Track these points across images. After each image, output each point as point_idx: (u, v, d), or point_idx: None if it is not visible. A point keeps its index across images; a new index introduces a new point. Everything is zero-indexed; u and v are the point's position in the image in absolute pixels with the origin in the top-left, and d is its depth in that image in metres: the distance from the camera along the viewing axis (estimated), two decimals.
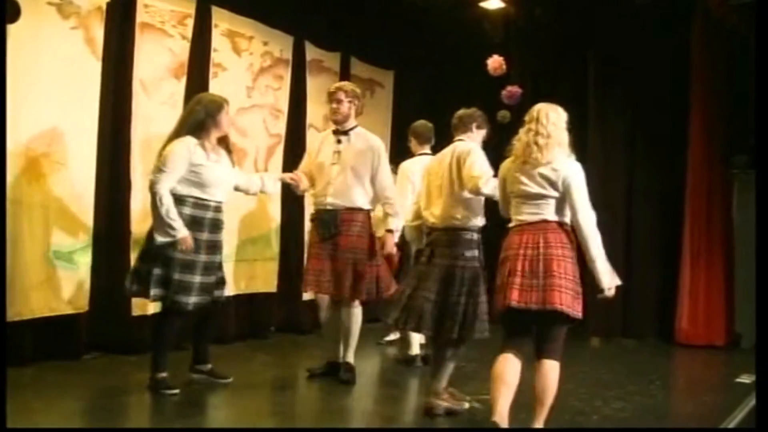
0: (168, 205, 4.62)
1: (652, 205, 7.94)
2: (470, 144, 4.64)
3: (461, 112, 4.87)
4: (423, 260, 4.61)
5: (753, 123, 6.45)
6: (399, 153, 8.61)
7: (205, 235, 4.76)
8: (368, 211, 5.35)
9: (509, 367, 3.97)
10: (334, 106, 5.33)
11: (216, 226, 4.86)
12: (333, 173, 5.26)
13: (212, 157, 4.79)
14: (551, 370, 3.98)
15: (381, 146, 5.40)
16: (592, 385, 5.44)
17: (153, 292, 4.67)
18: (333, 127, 5.46)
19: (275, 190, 6.13)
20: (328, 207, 5.26)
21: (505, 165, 4.16)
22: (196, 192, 4.74)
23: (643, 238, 7.91)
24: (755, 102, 4.45)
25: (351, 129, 5.36)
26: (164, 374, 4.76)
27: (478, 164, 4.42)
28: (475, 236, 4.53)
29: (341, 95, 5.31)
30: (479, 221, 4.55)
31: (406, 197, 5.97)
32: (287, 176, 5.54)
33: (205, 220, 4.78)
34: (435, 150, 6.22)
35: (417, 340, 6.05)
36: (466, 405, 4.68)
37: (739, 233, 7.37)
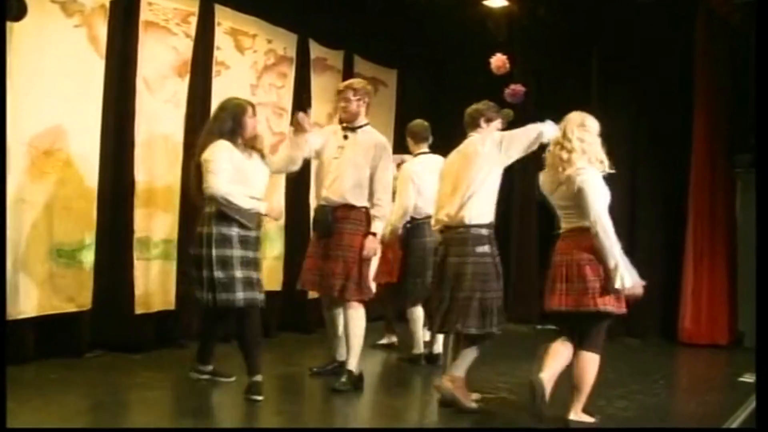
0: (235, 195, 4.60)
1: (655, 204, 7.93)
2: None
3: (469, 109, 4.98)
4: (437, 260, 4.79)
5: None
6: (403, 151, 8.64)
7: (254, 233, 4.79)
8: (366, 209, 5.18)
9: (561, 348, 4.37)
10: (343, 104, 5.23)
11: (259, 224, 4.88)
12: (333, 168, 5.16)
13: (245, 157, 4.78)
14: (587, 360, 4.33)
15: (387, 146, 5.30)
16: (596, 384, 5.42)
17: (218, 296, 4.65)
18: (340, 125, 5.36)
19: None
20: (323, 203, 5.17)
21: (542, 177, 4.50)
22: (243, 190, 4.69)
23: (646, 236, 7.89)
24: (756, 101, 4.43)
25: (360, 127, 5.24)
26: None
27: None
28: (485, 232, 4.65)
29: (349, 93, 5.19)
30: (488, 218, 4.68)
31: (409, 198, 5.97)
32: (296, 117, 5.13)
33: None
34: (433, 148, 6.26)
35: (421, 338, 6.07)
36: (474, 405, 4.66)
37: (743, 232, 7.36)
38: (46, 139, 5.25)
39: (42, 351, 5.29)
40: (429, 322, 5.09)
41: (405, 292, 6.16)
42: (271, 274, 7.06)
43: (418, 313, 6.05)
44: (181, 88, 6.23)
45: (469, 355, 4.66)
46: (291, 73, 7.33)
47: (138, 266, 5.89)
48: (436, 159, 6.16)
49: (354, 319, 5.09)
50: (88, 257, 5.54)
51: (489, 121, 4.91)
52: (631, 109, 7.96)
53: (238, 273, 4.60)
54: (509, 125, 5.25)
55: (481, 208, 4.65)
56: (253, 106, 4.90)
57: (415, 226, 6.17)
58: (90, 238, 5.55)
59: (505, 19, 8.14)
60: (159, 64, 6.05)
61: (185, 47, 6.25)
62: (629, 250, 7.78)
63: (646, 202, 7.96)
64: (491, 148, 4.67)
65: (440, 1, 7.59)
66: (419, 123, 6.43)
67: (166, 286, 6.12)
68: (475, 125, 4.89)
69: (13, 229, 4.98)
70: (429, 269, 5.67)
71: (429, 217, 6.02)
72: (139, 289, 5.88)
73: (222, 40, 6.60)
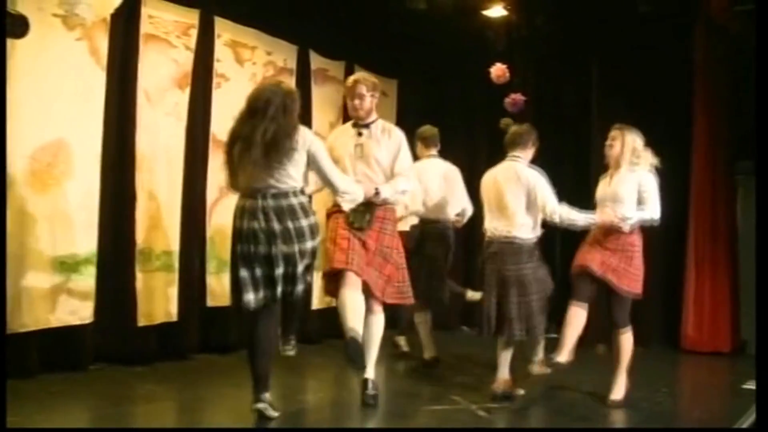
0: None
1: None
2: (533, 171, 5.13)
3: (518, 128, 5.36)
4: (488, 269, 5.15)
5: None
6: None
7: None
8: (392, 208, 5.09)
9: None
10: (357, 102, 5.02)
11: None
12: (357, 169, 4.96)
13: None
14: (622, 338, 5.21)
15: (402, 135, 5.13)
16: (598, 392, 5.42)
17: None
18: (351, 121, 5.21)
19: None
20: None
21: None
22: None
23: (647, 244, 7.87)
24: (756, 107, 4.44)
25: (372, 122, 5.10)
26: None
27: (551, 198, 5.06)
28: (528, 245, 5.10)
29: (362, 89, 5.02)
30: (534, 233, 5.13)
31: (416, 198, 5.98)
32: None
33: None
34: (441, 153, 6.29)
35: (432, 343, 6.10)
36: (521, 391, 5.11)
37: (744, 239, 7.35)
38: (48, 151, 5.27)
39: (44, 364, 5.28)
40: (482, 327, 5.16)
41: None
42: None
43: (427, 317, 6.06)
44: (181, 100, 6.25)
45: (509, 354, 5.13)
46: (291, 84, 7.33)
47: (140, 278, 5.89)
48: (443, 164, 6.20)
49: (377, 325, 4.99)
50: (90, 270, 5.54)
51: (534, 144, 5.29)
52: (630, 117, 7.91)
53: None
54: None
55: (530, 225, 5.11)
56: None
57: (424, 229, 6.25)
58: (92, 250, 5.55)
59: (504, 29, 8.16)
60: (159, 76, 6.07)
61: (185, 59, 6.27)
62: None
63: None
64: (527, 194, 5.09)
65: (440, 11, 7.61)
66: (429, 128, 6.53)
67: (168, 298, 6.12)
68: (525, 146, 5.24)
69: (15, 242, 4.99)
70: (438, 272, 5.89)
71: (437, 220, 6.18)
72: (141, 301, 5.88)
73: (222, 52, 6.63)
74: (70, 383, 5.19)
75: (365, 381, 4.90)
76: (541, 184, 5.05)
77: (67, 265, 5.38)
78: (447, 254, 6.35)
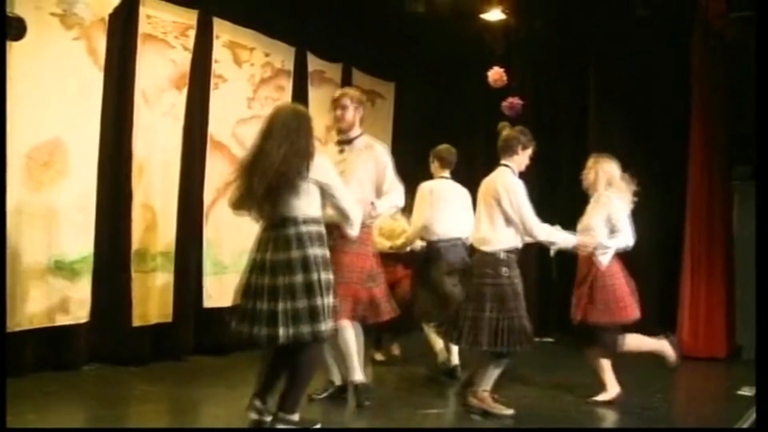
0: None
1: (652, 217, 7.92)
2: (513, 181, 4.87)
3: (506, 134, 5.06)
4: (466, 280, 5.05)
5: (753, 134, 6.46)
6: (399, 164, 8.64)
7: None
8: (368, 227, 4.90)
9: None
10: (339, 113, 4.92)
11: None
12: None
13: None
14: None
15: (385, 152, 5.00)
16: (593, 396, 5.42)
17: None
18: (335, 138, 5.12)
19: None
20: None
21: None
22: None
23: (643, 249, 7.88)
24: (756, 112, 4.45)
25: (356, 138, 4.97)
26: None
27: (528, 216, 4.80)
28: (503, 256, 4.78)
29: (346, 101, 4.91)
30: (509, 243, 4.81)
31: (422, 214, 5.92)
32: None
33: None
34: (453, 175, 6.21)
35: (454, 351, 6.01)
36: (507, 411, 4.80)
37: (740, 244, 7.36)
38: (45, 151, 5.26)
39: (39, 364, 5.28)
40: (448, 335, 5.10)
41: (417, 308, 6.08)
42: None
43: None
44: (179, 100, 6.24)
45: (493, 372, 4.83)
46: (288, 86, 7.35)
47: (136, 279, 5.88)
48: (454, 186, 6.09)
49: (343, 338, 4.85)
50: (86, 270, 5.53)
51: (524, 148, 5.03)
52: (627, 120, 7.98)
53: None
54: None
55: (503, 234, 4.82)
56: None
57: (430, 249, 6.02)
58: (88, 250, 5.54)
59: (503, 33, 8.17)
60: (157, 76, 6.06)
61: (183, 60, 6.26)
62: (627, 263, 7.82)
63: (642, 214, 7.94)
64: (507, 204, 4.82)
65: (438, 14, 7.62)
66: (447, 148, 6.21)
67: (163, 299, 6.12)
68: (512, 151, 5.00)
69: (11, 241, 4.98)
70: (443, 290, 5.77)
71: (445, 240, 5.96)
72: (136, 302, 5.87)
73: (220, 53, 6.62)
74: (64, 383, 5.17)
75: (357, 385, 4.91)
76: (513, 199, 4.81)
77: (62, 265, 5.37)
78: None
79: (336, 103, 4.96)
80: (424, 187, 6.05)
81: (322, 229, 4.08)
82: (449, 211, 5.97)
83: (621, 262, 5.28)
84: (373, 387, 5.19)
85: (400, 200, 5.01)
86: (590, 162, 5.41)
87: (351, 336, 4.90)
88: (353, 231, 4.35)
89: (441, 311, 5.72)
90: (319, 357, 4.27)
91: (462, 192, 6.09)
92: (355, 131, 4.98)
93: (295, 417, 4.10)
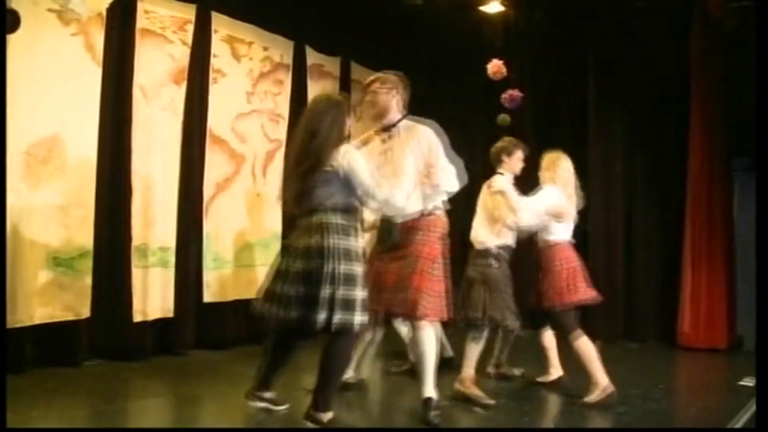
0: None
1: (653, 208, 7.93)
2: (499, 183, 5.31)
3: (492, 149, 5.50)
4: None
5: (753, 124, 6.44)
6: None
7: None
8: (434, 215, 4.48)
9: None
10: (369, 98, 4.56)
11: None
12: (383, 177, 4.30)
13: None
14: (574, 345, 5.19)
15: (434, 134, 4.48)
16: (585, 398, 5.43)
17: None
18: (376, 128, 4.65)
19: None
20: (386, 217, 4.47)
21: None
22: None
23: (644, 240, 7.90)
24: (756, 103, 4.43)
25: (396, 123, 4.52)
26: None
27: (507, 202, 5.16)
28: (494, 251, 5.27)
29: (376, 85, 4.53)
30: (499, 242, 5.29)
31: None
32: None
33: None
34: None
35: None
36: (488, 401, 4.89)
37: (740, 235, 7.36)
38: (43, 147, 5.25)
39: (40, 360, 5.28)
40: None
41: None
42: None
43: None
44: (177, 95, 6.23)
45: (474, 349, 5.09)
46: (287, 80, 7.33)
47: (136, 274, 5.88)
48: None
49: (423, 340, 4.41)
50: (86, 265, 5.53)
51: (510, 154, 5.42)
52: (627, 112, 7.97)
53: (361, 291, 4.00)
54: (505, 130, 5.32)
55: (494, 233, 5.30)
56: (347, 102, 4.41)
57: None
58: (88, 246, 5.54)
59: (502, 25, 8.14)
60: (156, 71, 6.05)
61: (182, 55, 6.25)
62: (627, 255, 7.81)
63: (643, 206, 7.96)
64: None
65: (437, 7, 7.60)
66: None
67: (164, 294, 6.11)
68: (500, 161, 5.43)
69: (10, 238, 4.97)
70: None
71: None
72: (137, 297, 5.87)
73: (218, 47, 6.61)
74: (65, 379, 5.18)
75: (427, 400, 4.43)
76: (503, 198, 5.24)
77: (62, 261, 5.37)
78: None
79: (366, 90, 4.63)
80: None
81: (352, 219, 4.03)
82: None
83: (573, 248, 5.37)
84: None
85: (449, 184, 4.46)
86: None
87: (430, 341, 4.42)
88: (396, 214, 4.29)
89: None
90: (348, 351, 4.14)
91: None
92: (394, 116, 4.54)
93: (327, 416, 4.03)
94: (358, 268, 3.97)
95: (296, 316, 3.88)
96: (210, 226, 6.53)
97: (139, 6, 5.88)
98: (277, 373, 4.27)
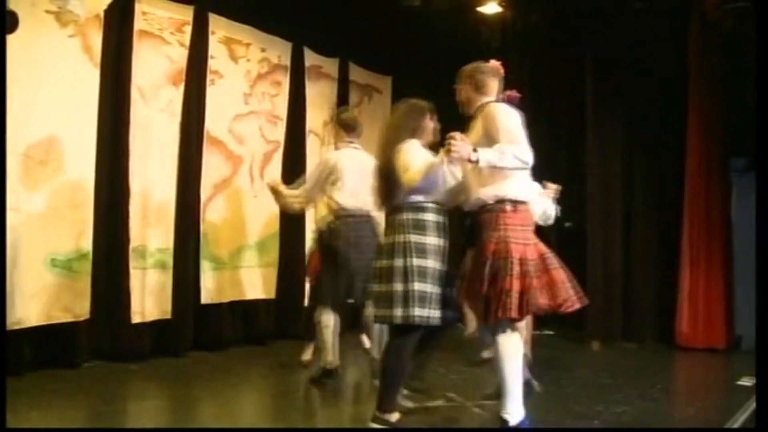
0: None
1: (650, 208, 7.93)
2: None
3: None
4: None
5: (751, 126, 6.46)
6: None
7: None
8: (505, 205, 4.00)
9: None
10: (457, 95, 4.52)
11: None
12: (466, 171, 4.23)
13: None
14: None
15: (497, 110, 4.25)
16: (593, 389, 5.43)
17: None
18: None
19: None
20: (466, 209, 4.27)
21: None
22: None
23: (642, 240, 7.90)
24: (756, 103, 4.44)
25: (475, 112, 4.38)
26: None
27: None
28: None
29: (457, 82, 4.54)
30: None
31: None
32: None
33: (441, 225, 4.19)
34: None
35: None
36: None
37: (738, 235, 7.36)
38: (41, 148, 5.25)
39: (38, 361, 5.28)
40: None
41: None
42: (265, 283, 7.06)
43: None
44: (175, 97, 6.23)
45: None
46: (285, 81, 7.34)
47: (134, 275, 5.88)
48: (361, 155, 5.45)
49: (503, 347, 4.04)
50: (85, 267, 5.53)
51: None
52: (625, 113, 7.98)
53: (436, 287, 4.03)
54: None
55: None
56: (431, 108, 4.60)
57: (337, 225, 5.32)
58: (86, 247, 5.54)
59: (500, 26, 8.15)
60: (153, 73, 6.05)
61: (180, 56, 6.25)
62: (625, 255, 7.81)
63: (641, 206, 7.97)
64: None
65: (435, 7, 7.61)
66: (350, 114, 5.78)
67: (162, 296, 6.12)
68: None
69: (9, 240, 4.97)
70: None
71: (352, 215, 5.28)
72: (135, 299, 5.88)
73: (216, 49, 6.61)
74: (64, 380, 5.18)
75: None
76: None
77: (60, 263, 5.37)
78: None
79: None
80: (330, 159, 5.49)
81: (425, 215, 4.09)
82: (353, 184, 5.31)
83: None
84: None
85: (504, 159, 3.94)
86: None
87: (512, 345, 4.04)
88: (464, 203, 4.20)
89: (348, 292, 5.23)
90: (406, 347, 4.09)
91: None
92: (475, 105, 4.44)
93: (393, 417, 4.07)
94: (432, 264, 4.03)
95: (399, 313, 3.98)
96: (208, 227, 6.53)
97: (137, 7, 5.89)
98: (421, 369, 4.48)
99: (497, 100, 4.40)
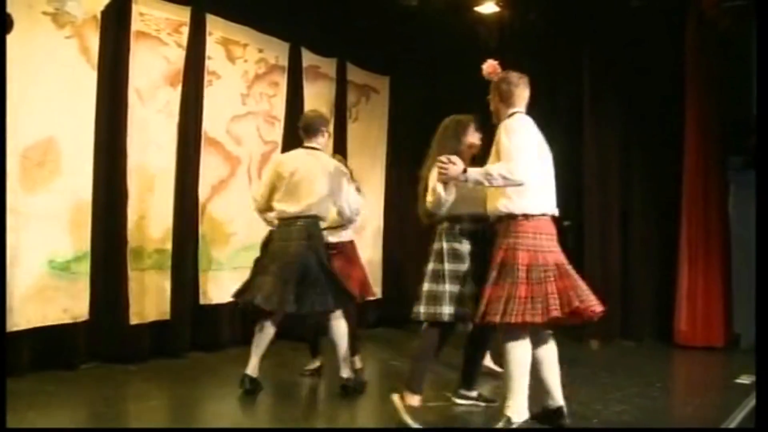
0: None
1: (648, 206, 7.94)
2: None
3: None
4: None
5: (749, 124, 6.46)
6: (395, 158, 8.64)
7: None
8: (516, 216, 4.09)
9: None
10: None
11: None
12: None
13: None
14: None
15: (505, 124, 4.34)
16: (592, 387, 5.43)
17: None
18: None
19: None
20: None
21: None
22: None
23: (640, 239, 7.91)
24: (757, 102, 4.45)
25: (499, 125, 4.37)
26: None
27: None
28: None
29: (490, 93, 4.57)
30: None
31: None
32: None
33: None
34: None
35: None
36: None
37: (736, 234, 7.37)
38: (39, 150, 5.25)
39: (37, 363, 5.28)
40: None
41: None
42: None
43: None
44: (173, 98, 6.23)
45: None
46: (283, 81, 7.34)
47: (132, 277, 5.88)
48: (327, 158, 5.33)
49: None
50: (83, 268, 5.53)
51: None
52: (623, 112, 7.98)
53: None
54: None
55: None
56: (475, 120, 4.84)
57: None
58: (84, 248, 5.54)
59: (497, 25, 8.15)
60: (151, 74, 6.05)
61: (177, 57, 6.25)
62: (624, 253, 7.81)
63: (639, 204, 7.97)
64: None
65: (432, 7, 7.60)
66: (312, 115, 5.40)
67: (160, 297, 6.11)
68: None
69: (7, 241, 4.96)
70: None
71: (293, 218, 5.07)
72: (133, 300, 5.87)
73: (213, 49, 6.61)
74: (62, 382, 5.18)
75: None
76: None
77: (58, 264, 5.37)
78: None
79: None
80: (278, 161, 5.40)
81: (459, 225, 4.40)
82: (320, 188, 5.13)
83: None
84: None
85: (491, 180, 4.09)
86: None
87: (517, 349, 4.11)
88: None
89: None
90: (431, 342, 4.43)
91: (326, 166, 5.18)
92: (503, 116, 4.46)
93: (415, 398, 4.35)
94: (463, 267, 4.34)
95: (414, 309, 4.38)
96: (206, 228, 6.53)
97: (134, 8, 5.89)
98: (474, 369, 4.87)
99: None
